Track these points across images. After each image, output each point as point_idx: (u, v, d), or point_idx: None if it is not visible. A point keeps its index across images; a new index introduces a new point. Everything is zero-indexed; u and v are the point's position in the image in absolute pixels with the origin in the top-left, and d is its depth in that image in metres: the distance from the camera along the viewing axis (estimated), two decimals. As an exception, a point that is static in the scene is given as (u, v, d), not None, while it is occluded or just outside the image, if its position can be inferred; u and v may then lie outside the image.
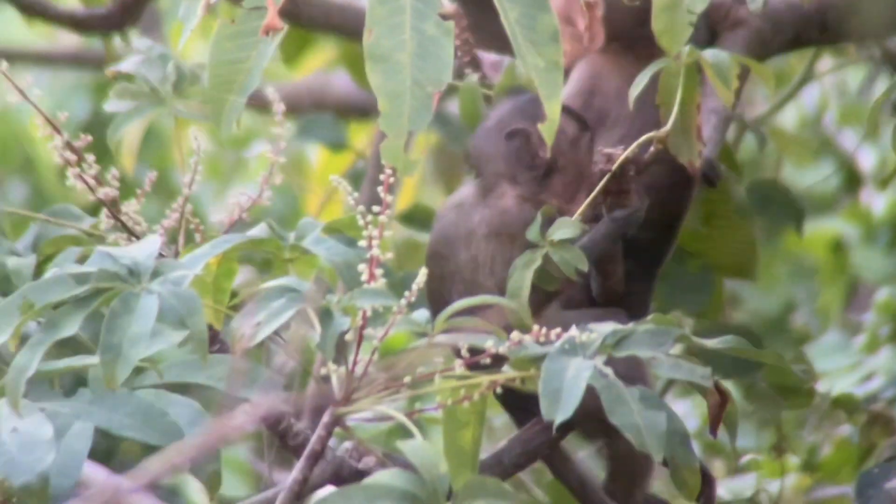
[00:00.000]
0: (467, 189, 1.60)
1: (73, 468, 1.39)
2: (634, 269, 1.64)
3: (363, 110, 2.63)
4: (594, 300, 1.62)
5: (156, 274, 1.40)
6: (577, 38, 1.66)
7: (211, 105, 1.47)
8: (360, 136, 2.53)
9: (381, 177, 1.38)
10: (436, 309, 1.57)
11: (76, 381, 1.47)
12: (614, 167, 1.54)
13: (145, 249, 1.42)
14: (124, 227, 1.58)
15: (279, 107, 1.54)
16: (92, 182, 1.56)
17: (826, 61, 2.38)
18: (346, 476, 1.49)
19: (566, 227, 1.54)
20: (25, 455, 1.37)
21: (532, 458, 1.55)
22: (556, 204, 1.58)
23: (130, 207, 1.58)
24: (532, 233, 1.54)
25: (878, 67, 2.24)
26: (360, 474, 1.49)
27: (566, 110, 1.58)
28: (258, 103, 1.55)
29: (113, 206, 1.57)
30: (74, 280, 1.40)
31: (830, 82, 2.82)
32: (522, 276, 1.53)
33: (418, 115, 1.37)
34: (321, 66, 2.67)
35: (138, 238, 1.57)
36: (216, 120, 1.47)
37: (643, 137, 1.54)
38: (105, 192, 1.57)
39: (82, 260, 1.56)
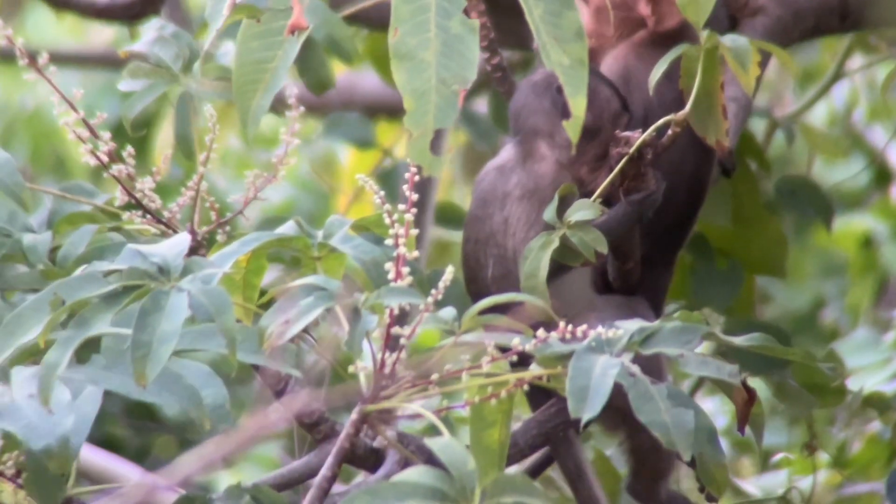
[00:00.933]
0: (508, 151, 1.61)
1: (80, 429, 1.39)
2: (652, 253, 1.64)
3: (391, 109, 2.63)
4: (610, 284, 1.62)
5: (185, 272, 1.40)
6: (630, 22, 1.66)
7: (237, 105, 1.48)
8: (388, 134, 2.53)
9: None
10: (471, 274, 1.59)
11: (89, 349, 1.47)
12: (632, 150, 1.54)
13: (175, 247, 1.42)
14: (139, 205, 1.58)
15: (293, 90, 1.54)
16: (105, 158, 1.56)
17: (856, 59, 2.36)
18: (361, 455, 1.49)
19: (584, 209, 1.54)
20: (44, 419, 1.38)
21: (548, 440, 1.55)
22: (584, 175, 1.58)
23: (145, 185, 1.58)
24: (548, 214, 1.55)
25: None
26: (374, 453, 1.49)
27: (613, 87, 1.59)
28: (285, 103, 1.55)
29: (128, 183, 1.57)
30: (105, 277, 1.40)
31: (860, 79, 2.80)
32: (539, 257, 1.53)
33: (443, 113, 1.38)
34: (349, 65, 2.67)
35: (153, 215, 1.58)
36: (242, 119, 1.47)
37: (661, 121, 1.54)
38: (119, 170, 1.57)
39: (98, 238, 1.56)
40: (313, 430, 1.49)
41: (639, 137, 1.54)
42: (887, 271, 3.04)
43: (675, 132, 1.55)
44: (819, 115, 2.84)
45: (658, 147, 1.55)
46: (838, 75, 2.28)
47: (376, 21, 2.12)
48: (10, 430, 1.38)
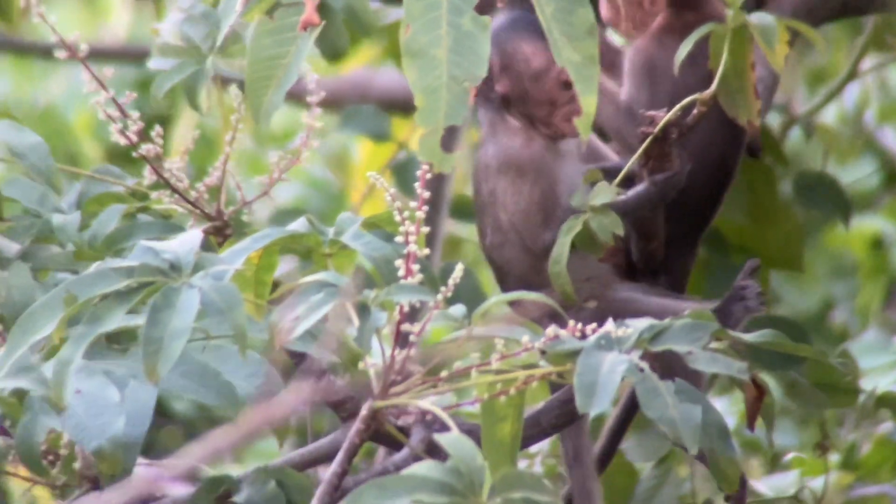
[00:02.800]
0: (483, 125, 1.61)
1: (142, 417, 1.39)
2: (676, 234, 1.64)
3: (407, 105, 2.63)
4: (634, 265, 1.63)
5: (197, 268, 1.41)
6: (643, 12, 1.66)
7: (249, 101, 1.48)
8: (403, 129, 2.53)
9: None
10: (480, 241, 1.61)
11: (129, 338, 1.48)
12: (656, 130, 1.54)
13: (186, 244, 1.43)
14: (167, 184, 1.59)
15: (313, 76, 1.55)
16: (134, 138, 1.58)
17: (867, 59, 2.36)
18: (384, 434, 1.49)
19: (604, 193, 1.54)
20: (94, 419, 1.38)
21: (570, 420, 1.55)
22: (553, 133, 1.57)
23: (173, 164, 1.59)
24: (577, 200, 1.55)
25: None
26: (399, 431, 1.48)
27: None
28: (301, 98, 1.56)
29: (156, 163, 1.58)
30: (117, 274, 1.41)
31: (871, 79, 2.79)
32: (563, 243, 1.54)
33: (454, 110, 1.38)
34: (366, 61, 2.68)
35: (181, 195, 1.58)
36: (254, 115, 1.48)
37: (686, 100, 1.54)
38: (148, 149, 1.58)
39: (126, 217, 1.58)
40: (339, 407, 1.50)
41: (664, 117, 1.54)
42: (898, 273, 3.03)
43: (700, 111, 1.54)
44: (829, 116, 2.84)
45: (683, 127, 1.55)
46: (853, 74, 2.27)
47: None
48: (61, 431, 1.39)
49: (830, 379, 1.90)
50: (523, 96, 1.57)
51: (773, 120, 2.20)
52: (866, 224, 3.01)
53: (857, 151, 2.53)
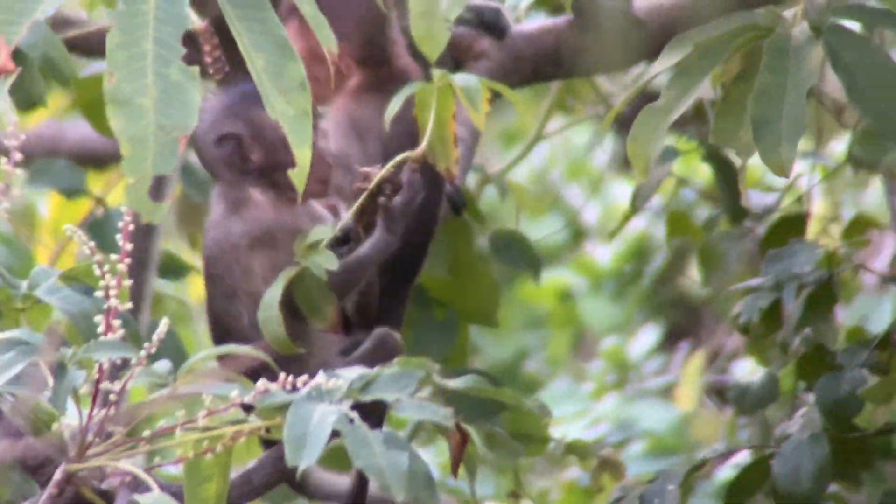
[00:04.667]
0: (218, 203, 1.60)
1: None
2: (387, 285, 1.66)
3: (100, 159, 2.56)
4: (348, 320, 1.64)
5: None
6: (334, 74, 1.69)
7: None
8: (98, 184, 2.46)
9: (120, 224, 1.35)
10: (224, 329, 1.58)
11: None
12: (371, 185, 1.56)
13: None
14: None
15: (13, 128, 1.48)
16: None
17: (555, 120, 2.49)
18: (86, 500, 1.43)
19: (318, 233, 1.55)
20: None
21: (283, 478, 1.55)
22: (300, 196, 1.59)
23: None
24: (296, 248, 1.56)
25: (603, 127, 2.36)
26: (103, 495, 1.43)
27: None
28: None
29: None
30: None
31: (558, 140, 2.95)
32: (276, 288, 1.53)
33: (163, 160, 1.35)
34: (52, 114, 2.58)
35: None
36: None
37: (399, 157, 1.57)
38: None
39: None
40: (37, 472, 1.42)
41: (378, 173, 1.56)
42: (584, 324, 3.19)
43: (412, 168, 1.57)
44: (520, 174, 2.97)
45: (397, 183, 1.57)
46: (540, 135, 2.39)
47: (97, 50, 2.06)
48: None
49: (524, 429, 1.97)
50: (275, 164, 1.57)
51: (470, 179, 2.28)
52: (555, 277, 3.16)
53: (545, 208, 2.66)
